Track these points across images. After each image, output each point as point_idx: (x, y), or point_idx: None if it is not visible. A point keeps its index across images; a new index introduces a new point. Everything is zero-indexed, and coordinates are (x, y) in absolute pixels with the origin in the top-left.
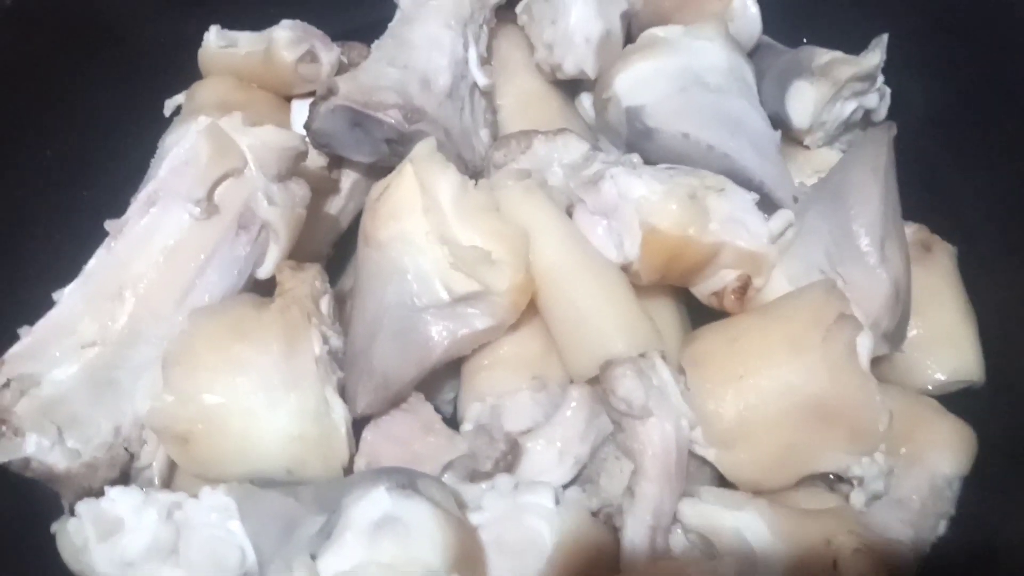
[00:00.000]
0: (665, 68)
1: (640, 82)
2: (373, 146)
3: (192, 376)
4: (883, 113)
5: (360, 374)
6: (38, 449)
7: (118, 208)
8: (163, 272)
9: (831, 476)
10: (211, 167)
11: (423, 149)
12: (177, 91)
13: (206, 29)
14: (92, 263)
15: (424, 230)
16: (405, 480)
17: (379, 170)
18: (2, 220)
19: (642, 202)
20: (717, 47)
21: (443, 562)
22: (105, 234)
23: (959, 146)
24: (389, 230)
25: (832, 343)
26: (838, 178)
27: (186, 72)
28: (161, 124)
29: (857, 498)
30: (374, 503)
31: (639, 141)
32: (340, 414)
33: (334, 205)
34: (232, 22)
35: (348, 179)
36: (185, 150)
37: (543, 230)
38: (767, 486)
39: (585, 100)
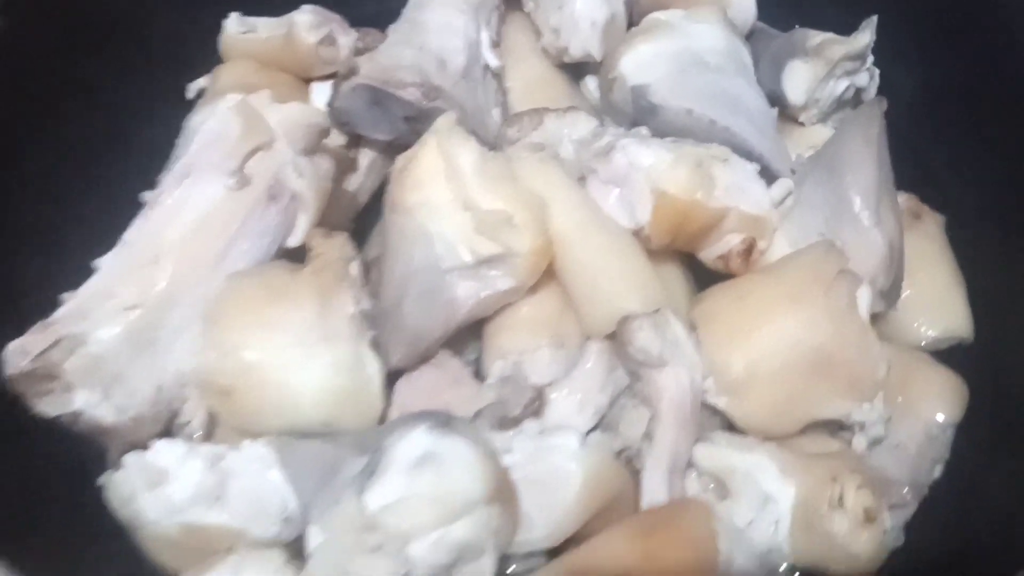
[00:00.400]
0: (667, 49)
1: (644, 62)
2: (391, 124)
3: (232, 334)
4: (872, 92)
5: (391, 331)
6: (86, 404)
7: (144, 184)
8: (198, 240)
9: (833, 425)
10: (242, 141)
11: (444, 122)
12: (195, 77)
13: (223, 17)
14: (130, 232)
15: (448, 197)
16: (442, 420)
17: (396, 148)
18: (36, 199)
19: (652, 170)
20: (716, 30)
21: (482, 493)
22: (135, 208)
23: (943, 124)
24: (414, 197)
25: (833, 297)
26: (833, 149)
27: (203, 59)
28: (181, 107)
29: (859, 442)
30: (414, 442)
31: (645, 118)
32: (374, 367)
33: (353, 181)
34: (246, 11)
35: (366, 157)
36: (217, 125)
37: (558, 197)
38: (775, 432)
39: (590, 82)
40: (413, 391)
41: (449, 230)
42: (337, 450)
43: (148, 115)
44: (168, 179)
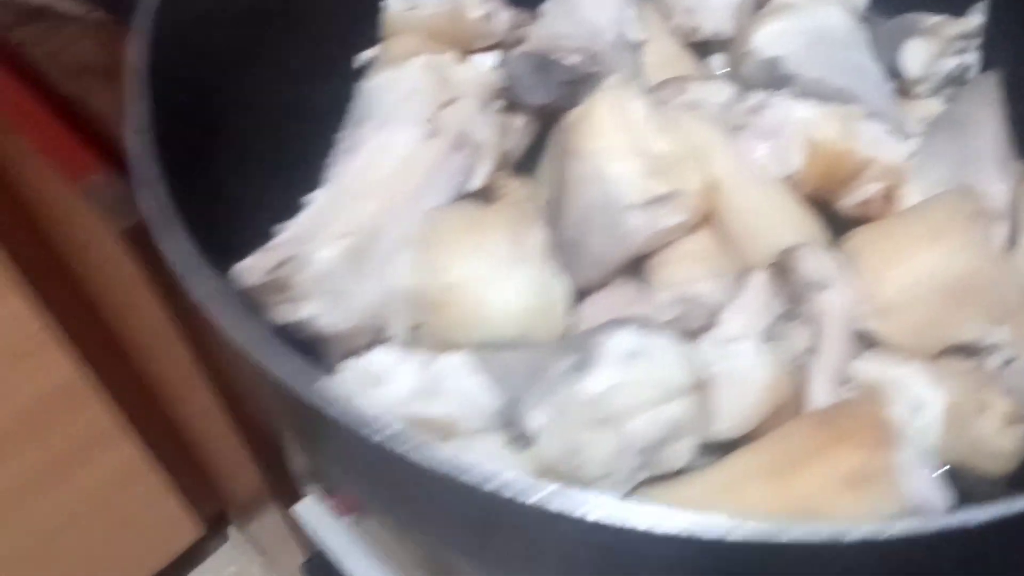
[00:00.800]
0: (796, 26)
1: (776, 37)
2: (548, 89)
3: (440, 257)
4: (977, 70)
5: (574, 260)
6: (312, 314)
7: (322, 142)
8: (398, 180)
9: (967, 350)
10: (434, 96)
11: (614, 80)
12: (354, 51)
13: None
14: (336, 172)
15: (621, 143)
16: (645, 322)
17: (546, 112)
18: (235, 152)
19: (806, 122)
20: (838, 11)
21: (688, 381)
22: (319, 160)
23: None
24: (592, 144)
25: (971, 231)
26: (958, 111)
27: (360, 35)
28: (345, 77)
29: (993, 362)
30: (623, 340)
31: (778, 87)
32: (561, 288)
33: (509, 140)
34: None
35: (520, 120)
36: (411, 82)
37: (716, 147)
38: (919, 352)
39: (714, 60)
40: (598, 309)
41: (624, 172)
42: (536, 355)
43: (320, 82)
44: (366, 129)
